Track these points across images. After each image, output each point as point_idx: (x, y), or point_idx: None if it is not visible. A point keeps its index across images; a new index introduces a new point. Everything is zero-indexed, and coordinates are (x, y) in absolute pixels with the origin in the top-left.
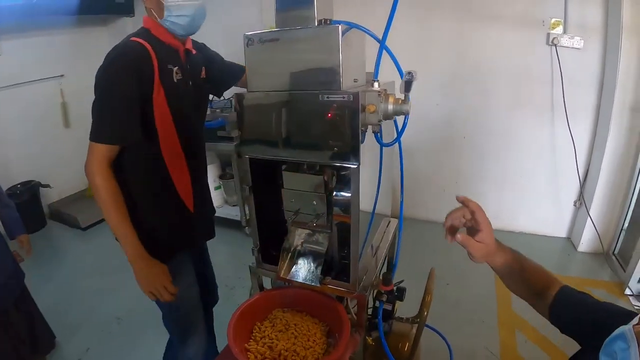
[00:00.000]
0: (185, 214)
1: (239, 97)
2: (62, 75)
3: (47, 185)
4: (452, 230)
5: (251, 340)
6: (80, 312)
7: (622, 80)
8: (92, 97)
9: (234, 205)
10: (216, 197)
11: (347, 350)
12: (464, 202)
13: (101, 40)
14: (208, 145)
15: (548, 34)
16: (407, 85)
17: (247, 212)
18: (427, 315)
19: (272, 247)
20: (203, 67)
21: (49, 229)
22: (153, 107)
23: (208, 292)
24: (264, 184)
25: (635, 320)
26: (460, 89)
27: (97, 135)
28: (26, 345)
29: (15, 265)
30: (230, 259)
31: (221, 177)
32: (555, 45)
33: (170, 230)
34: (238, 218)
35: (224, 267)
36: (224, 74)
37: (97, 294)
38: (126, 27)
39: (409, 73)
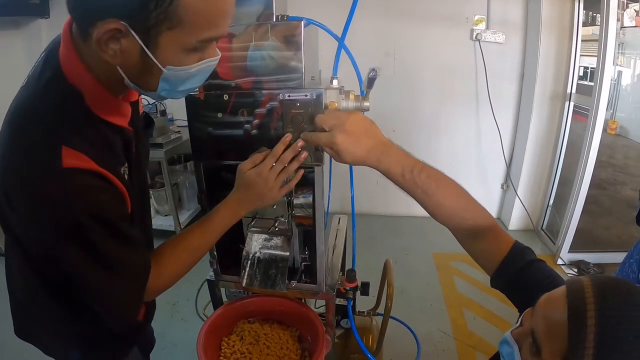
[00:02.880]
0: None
1: (190, 98)
2: None
3: None
4: None
5: (221, 356)
6: None
7: (542, 72)
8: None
9: (166, 215)
10: None
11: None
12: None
13: (13, 45)
14: None
15: (472, 30)
16: (370, 82)
17: (181, 220)
18: (392, 306)
19: (229, 257)
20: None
21: None
22: None
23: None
24: (216, 190)
25: (515, 324)
26: (389, 84)
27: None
28: None
29: None
30: None
31: (150, 186)
32: (479, 40)
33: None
34: (172, 228)
35: None
36: None
37: None
38: (41, 31)
39: (373, 70)
